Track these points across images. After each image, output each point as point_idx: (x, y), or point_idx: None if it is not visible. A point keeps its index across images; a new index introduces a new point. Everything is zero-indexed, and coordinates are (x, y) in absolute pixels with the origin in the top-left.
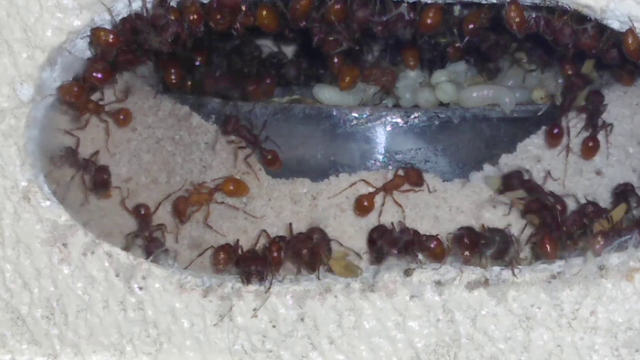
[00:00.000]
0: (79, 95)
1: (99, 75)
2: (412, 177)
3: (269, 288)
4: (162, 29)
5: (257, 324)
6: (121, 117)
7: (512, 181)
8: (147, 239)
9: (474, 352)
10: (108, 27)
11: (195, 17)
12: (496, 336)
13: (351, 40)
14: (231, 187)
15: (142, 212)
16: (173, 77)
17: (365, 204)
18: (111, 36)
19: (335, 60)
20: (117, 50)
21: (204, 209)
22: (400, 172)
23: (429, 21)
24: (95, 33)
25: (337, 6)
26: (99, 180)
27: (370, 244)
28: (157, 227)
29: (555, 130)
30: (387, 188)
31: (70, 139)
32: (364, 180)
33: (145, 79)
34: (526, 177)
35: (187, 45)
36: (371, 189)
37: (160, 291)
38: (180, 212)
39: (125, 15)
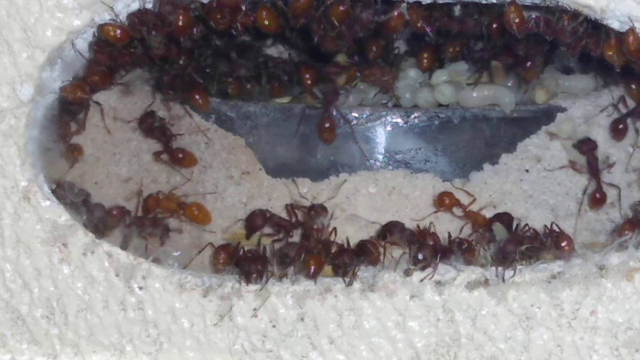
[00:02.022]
0: (82, 98)
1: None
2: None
3: (265, 285)
4: (161, 28)
5: (257, 324)
6: (74, 153)
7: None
8: (146, 227)
9: (474, 352)
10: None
11: (181, 24)
12: (496, 336)
13: (352, 41)
14: (195, 212)
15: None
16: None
17: (446, 201)
18: (119, 31)
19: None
20: (118, 50)
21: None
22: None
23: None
24: (103, 29)
25: (341, 8)
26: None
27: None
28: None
29: (620, 126)
30: (469, 215)
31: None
32: (467, 193)
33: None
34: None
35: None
36: (465, 199)
37: (160, 291)
38: (148, 209)
39: (133, 11)
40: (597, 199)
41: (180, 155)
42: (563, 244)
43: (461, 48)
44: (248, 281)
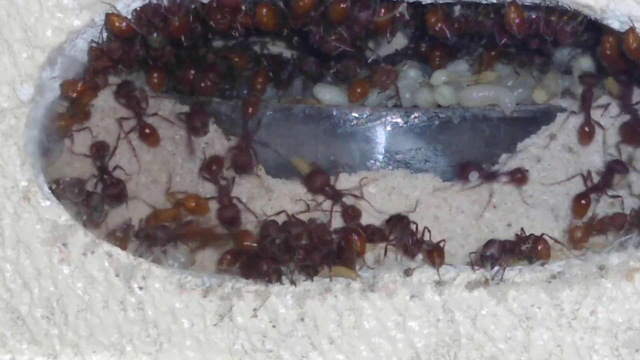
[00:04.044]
0: (82, 92)
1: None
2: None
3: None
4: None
5: (257, 324)
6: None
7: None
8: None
9: (474, 352)
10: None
11: (177, 24)
12: (496, 336)
13: (351, 41)
14: (192, 204)
15: (101, 151)
16: (155, 80)
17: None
18: (124, 24)
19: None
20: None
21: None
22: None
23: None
24: (109, 19)
25: (342, 5)
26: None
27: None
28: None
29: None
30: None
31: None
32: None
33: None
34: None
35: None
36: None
37: (160, 291)
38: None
39: (139, 6)
40: (586, 132)
41: (147, 131)
42: (539, 247)
43: (498, 53)
44: (270, 281)
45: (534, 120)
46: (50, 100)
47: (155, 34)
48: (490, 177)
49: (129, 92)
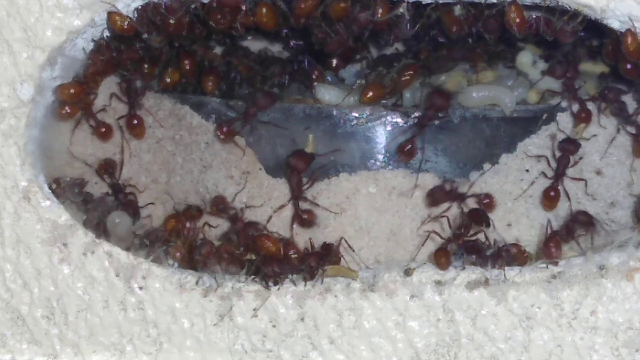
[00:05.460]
0: (76, 96)
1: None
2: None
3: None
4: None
5: (257, 323)
6: (102, 130)
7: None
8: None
9: (474, 352)
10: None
11: (173, 22)
12: (496, 336)
13: (350, 41)
14: (173, 222)
15: (110, 169)
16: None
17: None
18: (126, 23)
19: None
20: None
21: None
22: None
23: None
24: (111, 17)
25: (342, 4)
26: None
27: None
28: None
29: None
30: None
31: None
32: None
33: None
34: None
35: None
36: None
37: (160, 291)
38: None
39: (141, 5)
40: (582, 117)
41: (135, 122)
42: (513, 251)
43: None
44: (267, 284)
45: (534, 120)
46: (50, 100)
47: (154, 33)
48: (457, 198)
49: (132, 80)
